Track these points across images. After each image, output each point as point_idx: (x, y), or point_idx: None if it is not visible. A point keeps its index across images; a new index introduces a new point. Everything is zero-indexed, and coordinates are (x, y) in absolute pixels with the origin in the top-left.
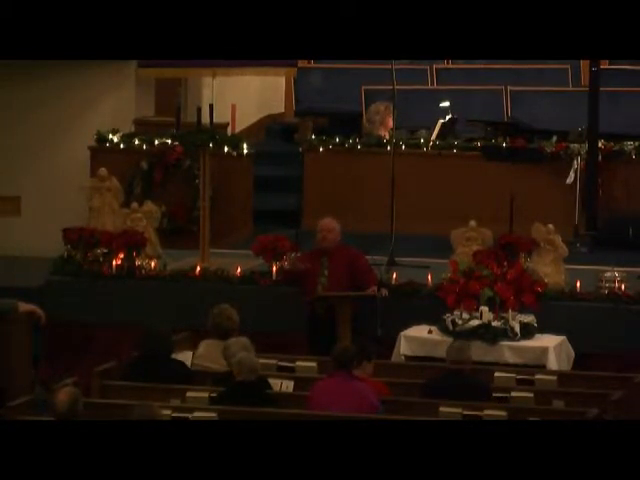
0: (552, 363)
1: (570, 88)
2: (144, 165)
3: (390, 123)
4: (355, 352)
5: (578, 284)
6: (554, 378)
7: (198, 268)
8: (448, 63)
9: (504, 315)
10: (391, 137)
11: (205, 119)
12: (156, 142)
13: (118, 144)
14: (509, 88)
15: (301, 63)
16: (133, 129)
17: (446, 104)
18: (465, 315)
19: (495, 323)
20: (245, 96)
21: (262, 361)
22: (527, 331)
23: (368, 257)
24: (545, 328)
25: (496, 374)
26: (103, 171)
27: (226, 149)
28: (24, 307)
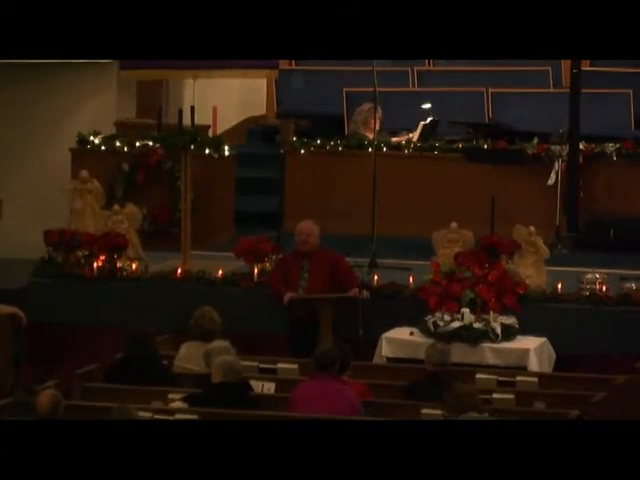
0: (533, 365)
1: (551, 90)
2: (125, 167)
3: (374, 124)
4: (336, 354)
5: (559, 286)
6: (535, 380)
7: (180, 270)
8: (429, 65)
9: (485, 317)
10: (373, 139)
11: (186, 121)
12: (137, 144)
13: (99, 146)
14: (490, 90)
15: (282, 65)
16: (114, 131)
17: (427, 106)
18: (447, 317)
19: (476, 325)
20: (226, 98)
21: (244, 363)
22: (508, 333)
23: (350, 259)
24: (526, 330)
25: (477, 376)
26: (84, 173)
27: (207, 151)
28: (5, 309)
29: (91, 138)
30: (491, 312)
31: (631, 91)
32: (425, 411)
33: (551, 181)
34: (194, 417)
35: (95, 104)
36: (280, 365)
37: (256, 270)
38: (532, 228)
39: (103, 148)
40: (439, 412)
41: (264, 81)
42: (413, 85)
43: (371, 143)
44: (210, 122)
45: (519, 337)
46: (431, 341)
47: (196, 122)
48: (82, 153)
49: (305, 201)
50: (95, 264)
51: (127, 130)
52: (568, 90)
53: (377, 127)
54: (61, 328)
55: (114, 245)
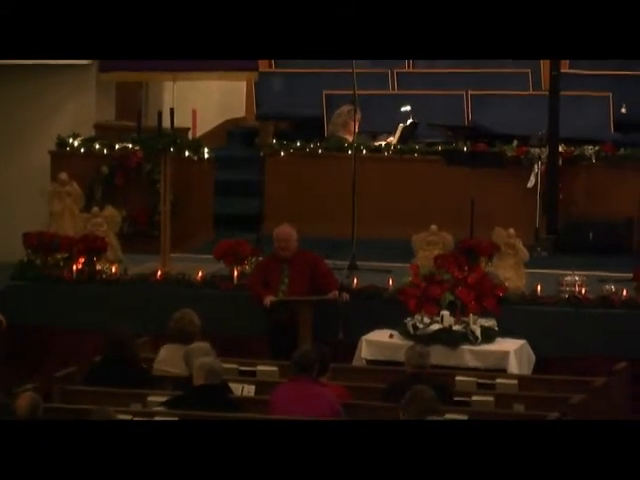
0: (513, 367)
1: (531, 92)
2: (105, 169)
3: (353, 127)
4: (315, 357)
5: (539, 288)
6: (515, 382)
7: (159, 272)
8: (409, 67)
9: (465, 319)
10: (352, 141)
11: (166, 123)
12: (117, 146)
13: (79, 148)
14: (470, 92)
15: (262, 67)
16: (94, 133)
17: (407, 108)
18: (426, 319)
19: (456, 327)
20: (206, 100)
21: (223, 365)
22: (488, 335)
23: (329, 261)
24: (506, 332)
25: (457, 378)
26: (64, 175)
27: (187, 153)
28: None
29: (70, 140)
30: (470, 314)
31: (610, 94)
32: None
33: (530, 184)
34: (174, 419)
35: (74, 106)
36: (260, 367)
37: (236, 272)
38: (512, 230)
39: (82, 151)
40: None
41: (244, 83)
42: (393, 87)
43: (351, 145)
44: (190, 124)
45: (498, 339)
46: (411, 343)
47: (176, 124)
48: (61, 156)
49: (285, 203)
50: (74, 267)
51: (106, 132)
52: (547, 93)
53: (356, 129)
54: (40, 331)
55: (93, 248)
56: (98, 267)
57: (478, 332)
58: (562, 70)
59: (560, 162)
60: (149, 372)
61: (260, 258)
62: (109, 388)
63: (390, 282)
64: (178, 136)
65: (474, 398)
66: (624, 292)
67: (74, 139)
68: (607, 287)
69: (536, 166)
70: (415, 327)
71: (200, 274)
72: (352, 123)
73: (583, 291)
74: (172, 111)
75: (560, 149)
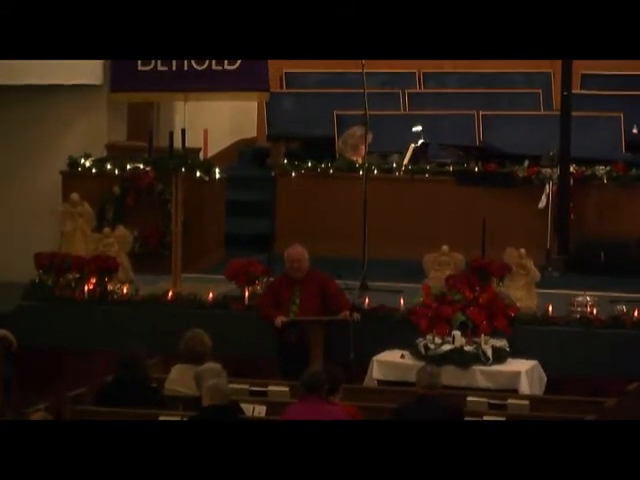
0: (524, 387)
1: (542, 112)
2: (116, 190)
3: (363, 150)
4: (324, 376)
5: (550, 308)
6: (526, 402)
7: (170, 293)
8: (420, 88)
9: (476, 340)
10: (363, 162)
11: (177, 144)
12: (128, 167)
13: (90, 169)
14: (481, 112)
15: (273, 87)
16: (105, 154)
17: (418, 128)
18: (437, 339)
19: (467, 348)
20: (217, 121)
21: (234, 386)
22: (499, 355)
23: (340, 282)
24: (517, 352)
25: (468, 398)
26: (75, 196)
27: (198, 174)
28: None
29: (82, 161)
30: (482, 335)
31: (621, 114)
32: None
33: (542, 204)
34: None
35: (85, 126)
36: (271, 388)
37: (247, 293)
38: (523, 250)
39: (94, 171)
40: None
41: (255, 104)
42: (404, 108)
43: (362, 166)
44: (201, 145)
45: (510, 360)
46: (422, 364)
47: (187, 144)
48: (73, 176)
49: (296, 223)
50: (85, 287)
51: (118, 152)
52: (559, 113)
53: (366, 151)
54: (51, 351)
55: (105, 268)
56: (109, 287)
57: (489, 352)
58: (573, 90)
59: (571, 182)
60: (160, 392)
61: (271, 278)
62: (120, 408)
63: (401, 302)
64: (189, 156)
65: (485, 418)
66: (635, 312)
67: (85, 159)
68: (619, 307)
69: (547, 186)
70: (426, 347)
71: (211, 294)
72: (362, 147)
73: (594, 311)
74: (183, 131)
75: (571, 169)
